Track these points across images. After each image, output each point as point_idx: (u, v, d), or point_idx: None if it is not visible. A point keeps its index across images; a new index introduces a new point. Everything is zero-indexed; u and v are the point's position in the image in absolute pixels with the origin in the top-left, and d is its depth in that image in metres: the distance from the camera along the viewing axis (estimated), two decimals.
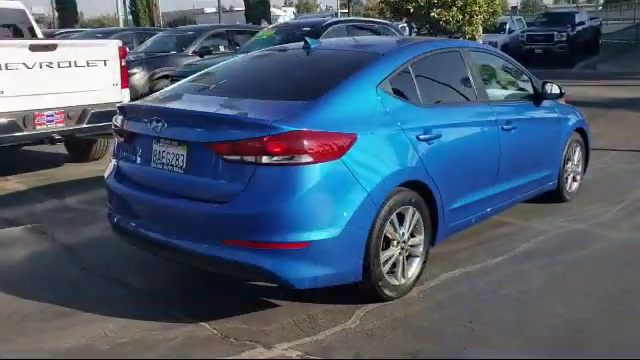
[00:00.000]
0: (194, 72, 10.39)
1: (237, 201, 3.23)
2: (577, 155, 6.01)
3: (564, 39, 22.36)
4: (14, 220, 5.65)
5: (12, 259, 4.68)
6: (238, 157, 3.25)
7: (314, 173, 3.21)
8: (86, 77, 6.98)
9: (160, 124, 3.52)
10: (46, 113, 6.66)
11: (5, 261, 4.64)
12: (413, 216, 3.82)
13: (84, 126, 6.95)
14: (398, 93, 3.85)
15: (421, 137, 3.82)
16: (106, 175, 4.17)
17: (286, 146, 3.17)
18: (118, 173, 4.00)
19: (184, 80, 4.44)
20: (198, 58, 11.78)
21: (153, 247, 3.77)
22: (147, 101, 4.07)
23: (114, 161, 4.18)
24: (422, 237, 3.94)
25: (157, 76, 11.42)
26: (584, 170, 6.29)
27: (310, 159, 3.20)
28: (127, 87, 7.39)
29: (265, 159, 3.18)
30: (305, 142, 3.19)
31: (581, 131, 5.99)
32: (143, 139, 3.77)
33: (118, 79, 7.24)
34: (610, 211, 5.61)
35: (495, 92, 4.85)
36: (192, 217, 3.41)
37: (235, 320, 3.61)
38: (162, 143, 3.61)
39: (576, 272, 4.28)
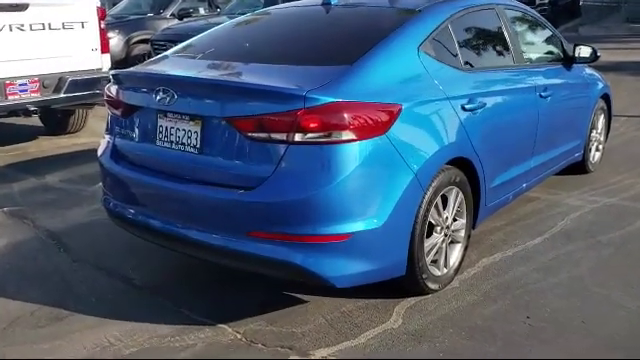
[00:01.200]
0: (176, 36, 9.85)
1: (265, 187, 2.72)
2: (601, 123, 5.61)
3: (545, 2, 21.92)
4: None
5: None
6: (265, 135, 2.73)
7: (356, 152, 2.71)
8: (62, 41, 6.29)
9: (167, 95, 2.97)
10: (19, 82, 5.99)
11: None
12: (456, 198, 3.36)
13: (61, 96, 6.28)
14: (440, 56, 3.35)
15: (466, 107, 3.34)
16: (99, 153, 3.61)
17: (324, 121, 2.66)
18: (114, 152, 3.45)
19: (183, 44, 3.85)
20: (177, 21, 11.06)
21: (160, 238, 3.24)
22: (147, 68, 3.49)
23: (108, 137, 3.62)
24: (464, 221, 3.49)
25: (134, 40, 10.67)
26: (606, 139, 5.92)
27: (352, 136, 2.69)
28: (108, 52, 6.72)
29: (298, 137, 2.67)
30: (346, 115, 2.68)
31: (606, 98, 5.58)
32: (145, 113, 3.21)
33: (97, 43, 6.57)
34: (638, 183, 5.26)
35: (528, 55, 4.37)
36: (209, 205, 2.90)
37: (259, 321, 3.13)
38: (170, 118, 3.06)
39: (625, 254, 3.89)
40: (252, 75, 3.02)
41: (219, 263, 3.09)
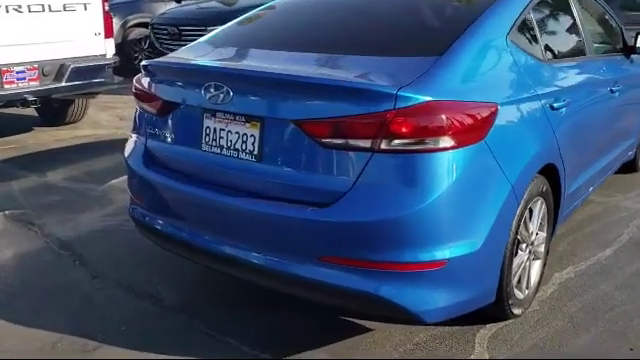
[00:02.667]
0: (177, 20, 9.27)
1: (342, 204, 2.27)
2: None
3: None
4: None
5: None
6: (344, 141, 2.27)
7: (455, 162, 2.26)
8: (63, 24, 5.75)
9: (221, 92, 2.49)
10: (16, 69, 5.45)
11: None
12: (540, 209, 2.95)
13: (63, 84, 5.76)
14: (525, 46, 2.90)
15: (554, 105, 2.91)
16: (127, 154, 3.13)
17: (419, 124, 2.21)
18: (147, 155, 2.97)
19: (220, 30, 3.34)
20: (174, 4, 10.47)
21: (203, 258, 2.79)
22: (188, 58, 2.99)
23: (136, 137, 3.14)
24: (544, 234, 3.08)
25: (130, 24, 10.08)
26: None
27: (450, 142, 2.24)
28: (112, 36, 6.19)
29: (386, 144, 2.22)
30: (445, 118, 2.23)
31: None
32: (187, 111, 2.73)
33: (101, 27, 6.04)
34: None
35: (596, 44, 3.95)
36: (270, 223, 2.44)
37: (321, 354, 2.70)
38: (219, 118, 2.59)
39: None
40: (325, 69, 2.54)
41: (279, 291, 2.63)
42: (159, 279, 3.40)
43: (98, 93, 6.33)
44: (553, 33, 3.36)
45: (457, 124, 2.25)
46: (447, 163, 2.24)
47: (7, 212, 4.35)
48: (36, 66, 5.56)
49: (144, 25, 10.10)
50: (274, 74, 2.45)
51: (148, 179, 2.92)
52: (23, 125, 6.85)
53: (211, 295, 3.26)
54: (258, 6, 3.64)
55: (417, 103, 2.20)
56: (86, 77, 5.84)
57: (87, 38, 5.93)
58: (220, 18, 8.39)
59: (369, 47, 2.67)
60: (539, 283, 3.12)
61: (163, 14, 9.56)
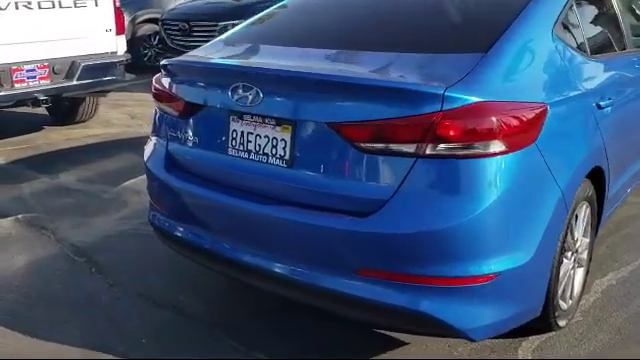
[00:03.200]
0: (188, 16, 9.10)
1: (383, 213, 2.11)
2: None
3: None
4: None
5: (9, 271, 3.47)
6: (385, 146, 2.11)
7: (507, 168, 2.10)
8: (73, 21, 5.60)
9: (250, 94, 2.33)
10: (26, 67, 5.30)
11: (1, 275, 3.42)
12: (585, 214, 2.78)
13: (74, 83, 5.61)
14: (570, 41, 2.73)
15: (601, 104, 2.74)
16: (146, 157, 2.97)
17: (468, 127, 2.04)
18: (169, 159, 2.81)
19: (242, 27, 3.16)
20: (184, 0, 10.31)
21: (229, 269, 2.63)
22: (212, 57, 2.82)
23: (155, 140, 2.97)
24: (588, 240, 2.91)
25: (139, 20, 9.91)
26: None
27: (501, 147, 2.07)
28: (123, 33, 6.03)
29: (431, 149, 2.05)
30: (495, 120, 2.06)
31: None
32: (212, 113, 2.57)
33: (112, 23, 5.88)
34: None
35: (633, 37, 3.76)
36: (303, 234, 2.28)
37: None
38: (247, 121, 2.43)
39: None
40: (360, 68, 2.37)
41: (311, 305, 2.47)
42: (180, 288, 3.25)
43: (109, 91, 6.18)
44: (595, 26, 3.18)
45: (508, 127, 2.08)
46: (497, 169, 2.07)
47: (19, 216, 4.21)
48: (47, 64, 5.42)
49: (153, 21, 9.95)
50: (309, 74, 2.28)
51: (170, 184, 2.76)
52: (33, 124, 6.71)
53: (234, 304, 3.11)
54: (268, 0, 3.48)
55: (466, 104, 2.03)
56: (97, 75, 5.69)
57: (98, 35, 5.78)
58: (231, 13, 8.25)
59: (404, 43, 2.49)
60: (582, 292, 2.95)
61: (173, 9, 9.41)
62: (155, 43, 10.19)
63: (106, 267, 3.49)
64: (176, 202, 2.78)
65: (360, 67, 2.37)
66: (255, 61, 2.59)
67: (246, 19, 7.54)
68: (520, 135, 2.13)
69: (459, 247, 2.07)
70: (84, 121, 6.78)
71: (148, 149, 2.99)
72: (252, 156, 2.43)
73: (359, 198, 2.16)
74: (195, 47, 8.18)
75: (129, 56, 6.12)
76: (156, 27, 9.99)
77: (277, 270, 2.39)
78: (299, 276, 2.31)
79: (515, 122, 2.11)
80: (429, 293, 2.13)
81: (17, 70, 5.23)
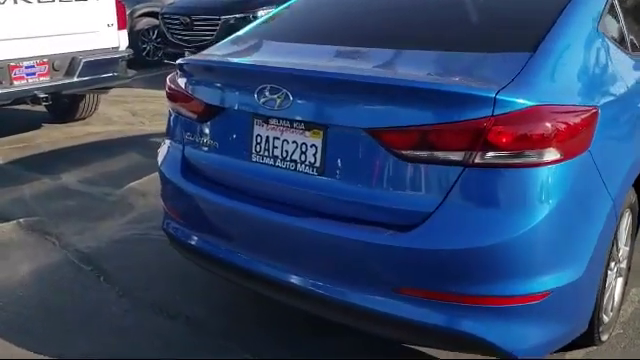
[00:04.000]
0: (188, 10, 8.88)
1: (427, 227, 1.94)
2: None
3: None
4: None
5: (11, 279, 3.29)
6: (428, 153, 1.94)
7: (563, 177, 1.93)
8: (74, 16, 5.40)
9: (278, 96, 2.15)
10: (25, 64, 5.11)
11: (3, 284, 3.24)
12: (627, 222, 2.62)
13: (75, 80, 5.41)
14: (614, 37, 2.56)
15: None
16: (160, 162, 2.79)
17: (522, 134, 1.87)
18: (185, 164, 2.63)
19: (260, 21, 2.98)
20: None
21: (251, 282, 2.46)
22: (232, 56, 2.64)
23: (169, 143, 2.80)
24: (627, 248, 2.75)
25: (138, 13, 9.69)
26: None
27: (556, 155, 1.91)
28: (125, 28, 5.83)
29: (480, 157, 1.88)
30: (550, 125, 1.90)
31: None
32: (234, 116, 2.40)
33: (114, 18, 5.68)
34: None
35: None
36: (335, 248, 2.11)
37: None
38: (273, 125, 2.25)
39: None
40: (399, 68, 2.20)
41: (340, 322, 2.29)
42: (194, 299, 3.08)
43: (111, 88, 5.98)
44: (636, 21, 3.01)
45: (563, 132, 1.92)
46: (552, 179, 1.91)
47: (21, 220, 4.03)
48: (46, 60, 5.22)
49: (152, 15, 9.74)
50: (346, 75, 2.10)
51: (186, 191, 2.59)
52: (32, 122, 6.51)
53: (252, 317, 2.93)
54: None
55: (520, 109, 1.86)
56: (99, 71, 5.49)
57: (99, 30, 5.58)
58: (234, 7, 8.04)
59: (444, 41, 2.30)
60: (621, 304, 2.80)
61: (173, 3, 9.19)
62: (154, 37, 9.98)
63: (114, 276, 3.31)
64: (193, 210, 2.60)
65: (399, 68, 2.20)
66: (282, 61, 2.41)
67: (249, 13, 7.34)
68: (574, 141, 1.96)
69: (509, 264, 1.90)
70: (84, 118, 6.59)
71: (162, 152, 2.82)
72: (278, 163, 2.26)
73: (399, 210, 1.99)
74: (197, 41, 8.14)
75: (131, 51, 5.93)
76: (155, 21, 9.78)
77: (304, 285, 2.23)
78: (329, 292, 2.15)
79: (570, 127, 1.94)
80: (474, 313, 1.96)
81: (16, 67, 5.03)
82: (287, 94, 2.13)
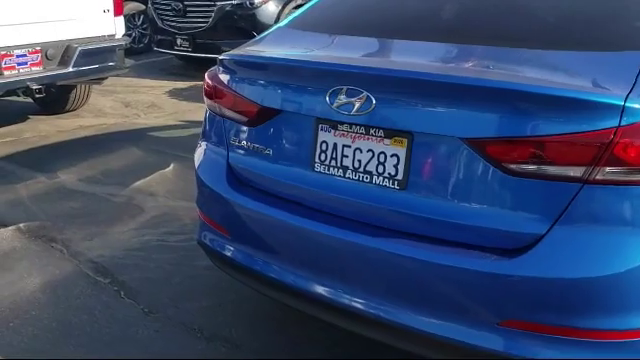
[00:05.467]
0: None
1: (538, 252, 1.70)
2: None
3: None
4: None
5: (21, 296, 2.96)
6: (539, 167, 1.70)
7: None
8: (68, 0, 5.01)
9: (357, 99, 1.88)
10: (16, 52, 4.72)
11: (13, 302, 2.92)
12: None
13: (70, 70, 5.05)
14: None
15: None
16: (199, 168, 2.50)
17: None
18: (230, 172, 2.34)
19: (308, 8, 2.66)
20: None
21: (311, 307, 2.19)
22: (280, 51, 2.35)
23: (208, 147, 2.50)
24: None
25: None
26: None
27: None
28: (122, 14, 5.46)
29: (602, 173, 1.64)
30: None
31: None
32: (293, 120, 2.12)
33: (110, 3, 5.31)
34: None
35: None
36: (422, 274, 1.86)
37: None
38: (342, 131, 1.98)
39: None
40: (504, 68, 1.92)
41: (422, 356, 2.05)
42: (226, 316, 2.81)
43: (105, 78, 5.62)
44: None
45: None
46: None
47: (21, 225, 3.69)
48: (39, 49, 4.84)
49: (138, 0, 9.32)
50: (443, 77, 1.83)
51: (233, 203, 2.30)
52: (17, 113, 6.10)
53: (299, 340, 2.67)
54: None
55: None
56: (95, 61, 5.13)
57: (95, 16, 5.21)
58: None
59: (542, 38, 2.03)
60: None
61: None
62: (139, 24, 9.57)
63: (135, 290, 3.02)
64: (240, 223, 2.32)
65: (499, 68, 1.93)
66: (356, 58, 2.13)
67: None
68: None
69: (637, 294, 1.68)
70: (74, 110, 6.20)
71: (200, 157, 2.52)
72: (349, 174, 2.00)
73: (504, 232, 1.75)
74: (190, 29, 7.75)
75: (128, 40, 5.57)
76: (141, 6, 9.38)
77: (377, 313, 1.97)
78: (415, 324, 1.89)
79: None
80: (590, 347, 1.74)
81: (6, 55, 4.65)
82: (369, 97, 1.86)
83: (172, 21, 7.83)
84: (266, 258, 2.27)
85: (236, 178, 2.34)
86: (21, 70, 4.75)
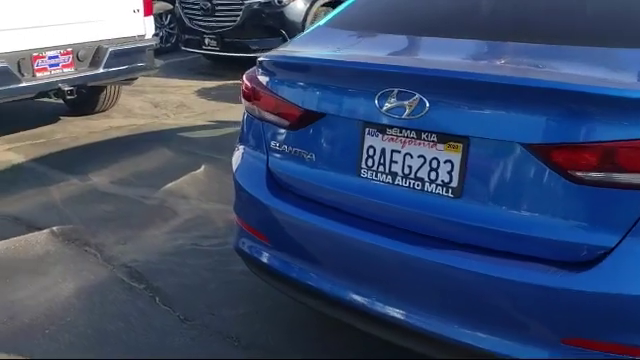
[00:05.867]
0: None
1: (608, 266, 1.59)
2: None
3: None
4: (26, 217, 3.83)
5: (56, 302, 2.92)
6: (611, 175, 1.58)
7: None
8: (98, 1, 4.98)
9: (410, 102, 1.78)
10: (48, 54, 4.71)
11: (49, 308, 2.88)
12: None
13: (100, 71, 5.02)
14: None
15: None
16: (237, 171, 2.43)
17: None
18: (270, 177, 2.26)
19: (348, 6, 2.56)
20: None
21: (354, 318, 2.10)
22: (322, 51, 2.26)
23: (246, 150, 2.42)
24: None
25: None
26: None
27: None
28: (151, 14, 5.42)
29: None
30: None
31: None
32: (337, 124, 2.03)
33: (140, 3, 5.27)
34: None
35: None
36: (480, 287, 1.76)
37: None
38: (391, 135, 1.89)
39: None
40: (565, 67, 1.81)
41: None
42: (268, 326, 2.72)
43: (136, 79, 5.58)
44: None
45: None
46: None
47: (55, 228, 3.66)
48: (70, 50, 4.82)
49: None
50: (505, 79, 1.71)
51: (274, 209, 2.22)
52: (48, 115, 6.10)
53: (336, 348, 2.58)
54: None
55: None
56: (126, 62, 5.10)
57: (125, 16, 5.17)
58: None
59: (597, 32, 1.90)
60: None
61: None
62: (167, 23, 9.56)
63: (171, 296, 2.96)
64: (281, 230, 2.24)
65: (563, 68, 1.81)
66: (407, 59, 2.03)
67: None
68: None
69: None
70: (104, 110, 6.19)
71: (238, 161, 2.45)
72: (398, 181, 1.90)
73: (570, 244, 1.64)
74: (218, 28, 7.70)
75: (158, 40, 5.54)
76: (168, 6, 9.36)
77: (424, 326, 1.88)
78: (472, 340, 1.79)
79: None
80: None
81: (38, 57, 4.63)
82: (421, 100, 1.76)
83: (200, 20, 7.80)
84: (306, 266, 2.18)
85: (276, 183, 2.26)
86: (53, 72, 4.73)
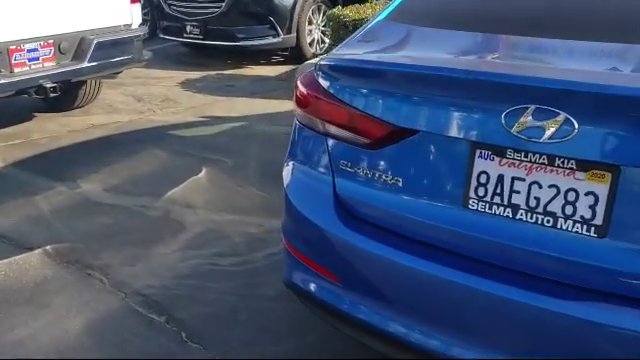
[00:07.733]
0: None
1: None
2: None
3: None
4: (13, 235, 3.37)
5: (66, 341, 2.50)
6: None
7: None
8: None
9: (552, 122, 1.44)
10: (27, 47, 4.19)
11: (61, 347, 2.46)
12: None
13: (85, 65, 4.52)
14: None
15: None
16: (291, 192, 2.05)
17: None
18: (340, 204, 1.90)
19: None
20: None
21: None
22: (405, 52, 1.89)
23: (302, 169, 2.05)
24: None
25: None
26: None
27: None
28: (138, 1, 4.93)
29: None
30: None
31: None
32: (437, 143, 1.68)
33: None
34: None
35: None
36: (634, 346, 1.45)
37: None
38: (513, 160, 1.55)
39: None
40: None
41: None
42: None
43: (120, 72, 5.10)
44: None
45: None
46: None
47: (48, 247, 3.22)
48: (51, 42, 4.32)
49: None
50: None
51: (345, 242, 1.86)
52: (21, 111, 5.55)
53: None
54: None
55: None
56: (112, 54, 4.62)
57: (109, 4, 4.67)
58: None
59: None
60: None
61: None
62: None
63: (199, 330, 2.57)
64: (352, 266, 1.89)
65: None
66: (543, 68, 1.67)
67: None
68: None
69: None
70: (82, 106, 5.67)
71: (291, 180, 2.07)
72: (520, 215, 1.56)
73: None
74: (199, 14, 7.21)
75: (146, 30, 5.05)
76: None
77: None
78: None
79: None
80: None
81: (16, 50, 4.13)
82: (568, 120, 1.42)
83: (181, 6, 7.29)
84: (389, 312, 1.84)
85: (347, 211, 1.90)
86: (33, 66, 4.23)
